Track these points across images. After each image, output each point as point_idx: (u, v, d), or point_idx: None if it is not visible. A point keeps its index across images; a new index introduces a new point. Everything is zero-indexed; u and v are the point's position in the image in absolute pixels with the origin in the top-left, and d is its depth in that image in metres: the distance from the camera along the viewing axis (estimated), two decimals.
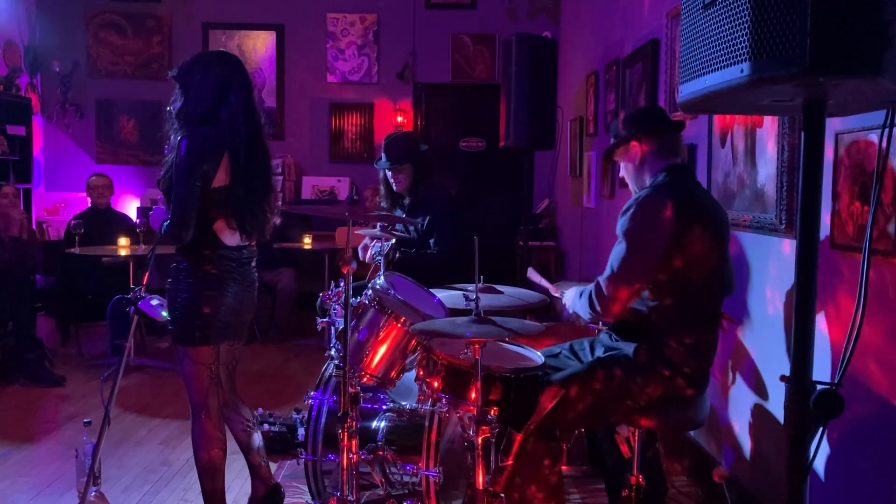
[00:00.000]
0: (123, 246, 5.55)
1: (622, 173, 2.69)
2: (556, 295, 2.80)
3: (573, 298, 2.59)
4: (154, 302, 2.69)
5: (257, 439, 2.93)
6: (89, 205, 6.36)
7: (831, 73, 1.15)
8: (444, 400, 2.48)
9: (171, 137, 2.68)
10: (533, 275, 3.01)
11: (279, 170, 7.49)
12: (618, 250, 2.41)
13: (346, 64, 7.88)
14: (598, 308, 2.41)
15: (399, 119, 7.82)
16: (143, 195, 7.65)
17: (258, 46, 7.90)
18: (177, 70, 2.72)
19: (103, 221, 6.08)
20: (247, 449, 2.92)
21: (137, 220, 6.00)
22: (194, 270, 2.64)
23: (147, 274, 2.81)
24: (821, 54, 1.14)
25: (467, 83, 7.90)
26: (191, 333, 2.65)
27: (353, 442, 2.53)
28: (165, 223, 2.63)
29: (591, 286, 2.48)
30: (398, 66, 7.82)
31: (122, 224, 6.13)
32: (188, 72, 2.69)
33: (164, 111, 2.75)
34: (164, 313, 2.72)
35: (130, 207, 7.52)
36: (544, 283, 2.94)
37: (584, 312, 2.49)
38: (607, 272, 2.42)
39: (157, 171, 2.80)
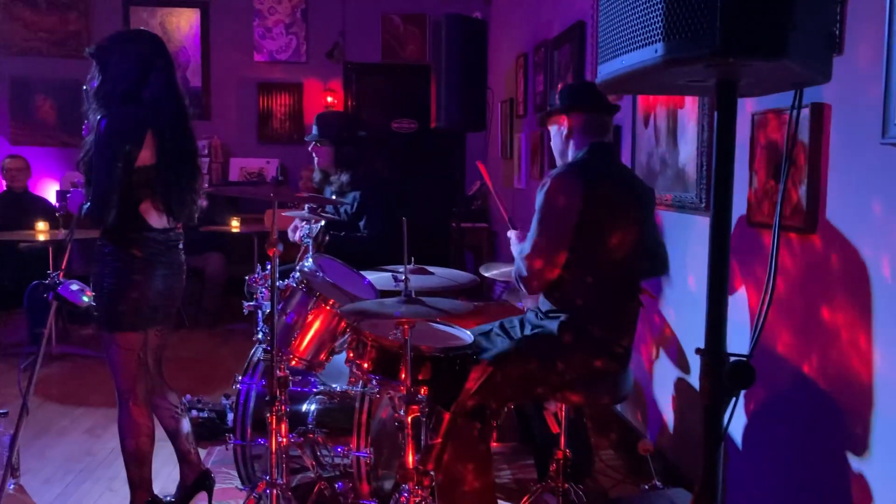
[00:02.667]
0: (42, 231, 5.35)
1: (551, 142, 2.74)
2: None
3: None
4: (74, 287, 2.61)
5: (185, 425, 2.88)
6: (4, 188, 6.10)
7: (739, 55, 1.19)
8: (374, 381, 2.49)
9: (90, 117, 2.60)
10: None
11: (205, 151, 7.32)
12: (532, 225, 2.47)
13: (274, 43, 7.72)
14: (521, 284, 2.47)
15: (329, 99, 7.72)
16: (62, 178, 7.35)
17: (182, 24, 7.67)
18: (94, 47, 2.63)
19: (20, 205, 5.85)
20: (175, 435, 2.87)
21: (57, 204, 5.78)
22: (120, 254, 2.57)
23: (66, 258, 2.72)
24: (729, 36, 1.17)
25: (398, 63, 7.83)
26: (118, 319, 2.58)
27: (283, 425, 2.52)
28: (85, 206, 2.55)
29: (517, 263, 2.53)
30: (327, 46, 7.70)
31: (39, 208, 5.90)
32: (106, 50, 2.60)
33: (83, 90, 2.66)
34: (86, 298, 2.63)
35: (49, 191, 7.23)
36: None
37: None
38: (525, 247, 2.47)
39: (77, 152, 2.70)
